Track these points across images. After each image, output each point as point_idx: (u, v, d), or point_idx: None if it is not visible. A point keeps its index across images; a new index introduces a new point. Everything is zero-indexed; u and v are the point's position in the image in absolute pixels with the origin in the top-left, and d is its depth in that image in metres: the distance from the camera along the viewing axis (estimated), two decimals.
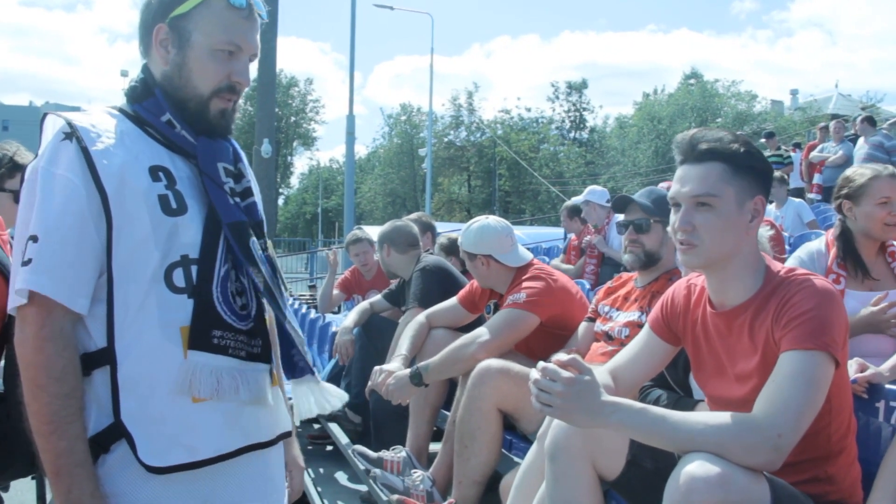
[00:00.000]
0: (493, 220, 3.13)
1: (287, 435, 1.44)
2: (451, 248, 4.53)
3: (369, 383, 2.96)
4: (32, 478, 2.46)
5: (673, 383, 2.27)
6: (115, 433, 1.21)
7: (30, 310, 1.18)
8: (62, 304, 1.18)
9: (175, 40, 1.30)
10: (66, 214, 1.19)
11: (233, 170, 1.37)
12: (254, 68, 1.41)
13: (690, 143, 1.64)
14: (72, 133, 1.22)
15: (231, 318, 1.29)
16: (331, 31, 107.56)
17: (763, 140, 11.47)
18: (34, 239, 1.18)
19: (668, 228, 1.71)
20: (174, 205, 1.26)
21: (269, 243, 1.42)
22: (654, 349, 1.87)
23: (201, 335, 1.25)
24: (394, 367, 2.92)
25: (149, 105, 1.32)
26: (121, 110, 1.33)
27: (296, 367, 1.39)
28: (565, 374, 1.50)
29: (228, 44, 1.31)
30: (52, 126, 1.25)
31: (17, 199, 2.37)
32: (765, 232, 2.56)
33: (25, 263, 1.18)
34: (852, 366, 1.92)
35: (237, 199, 1.35)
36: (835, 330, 1.50)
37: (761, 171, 1.64)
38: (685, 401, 2.18)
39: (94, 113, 1.29)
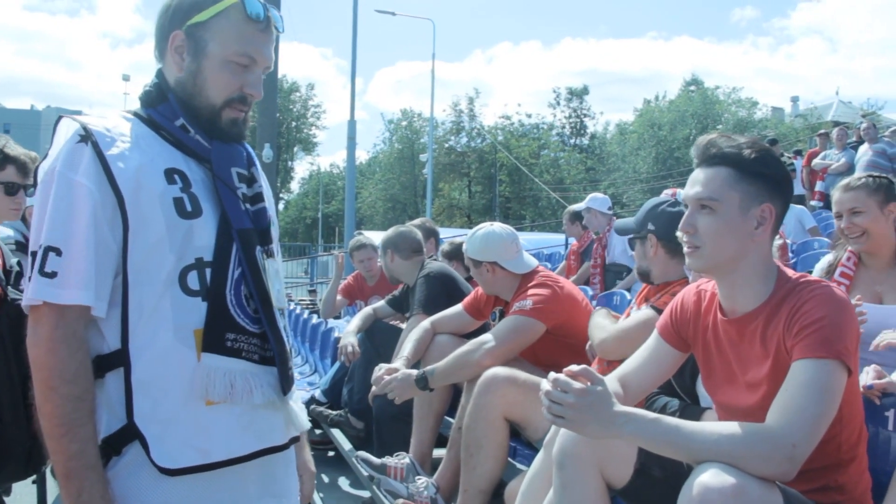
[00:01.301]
0: (498, 226, 3.13)
1: (297, 439, 1.44)
2: (455, 254, 4.52)
3: (372, 388, 2.95)
4: (33, 481, 2.45)
5: (680, 391, 2.27)
6: (127, 435, 1.20)
7: (43, 311, 1.18)
8: (76, 306, 1.18)
9: (191, 48, 1.30)
10: (87, 225, 1.18)
11: (246, 174, 1.37)
12: None
13: (705, 147, 1.65)
14: (87, 136, 1.21)
15: (244, 321, 1.29)
16: (333, 36, 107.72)
17: None
18: (57, 252, 1.17)
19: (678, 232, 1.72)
20: (189, 207, 1.25)
21: (277, 248, 1.42)
22: (662, 355, 1.86)
23: (215, 338, 1.25)
24: (396, 367, 2.91)
25: (163, 109, 1.32)
26: (135, 114, 1.33)
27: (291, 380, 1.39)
28: (577, 385, 1.49)
29: (243, 56, 1.31)
30: (67, 129, 1.24)
31: (7, 192, 2.43)
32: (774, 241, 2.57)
33: (49, 275, 1.17)
34: (869, 373, 1.91)
35: (247, 206, 1.35)
36: (847, 338, 1.50)
37: (772, 178, 1.63)
38: (692, 408, 2.16)
39: (108, 117, 1.29)
